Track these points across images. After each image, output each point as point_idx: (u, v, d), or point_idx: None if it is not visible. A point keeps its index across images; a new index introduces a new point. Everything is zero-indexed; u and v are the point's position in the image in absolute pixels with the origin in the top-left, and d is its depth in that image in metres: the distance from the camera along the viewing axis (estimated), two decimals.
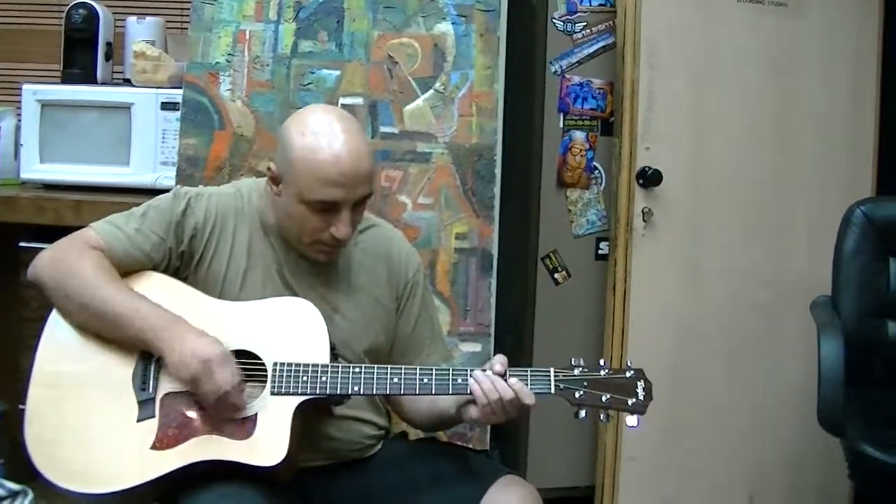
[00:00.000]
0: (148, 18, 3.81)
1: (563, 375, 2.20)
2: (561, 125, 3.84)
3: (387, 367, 2.22)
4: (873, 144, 3.80)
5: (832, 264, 3.36)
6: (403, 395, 2.36)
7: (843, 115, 3.77)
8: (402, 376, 2.21)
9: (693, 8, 3.61)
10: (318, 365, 2.18)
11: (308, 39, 3.11)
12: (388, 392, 2.26)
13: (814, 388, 3.02)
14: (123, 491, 2.08)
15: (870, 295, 3.33)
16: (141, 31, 3.73)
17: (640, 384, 2.22)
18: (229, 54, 3.09)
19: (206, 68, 3.09)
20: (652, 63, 3.57)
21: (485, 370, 2.19)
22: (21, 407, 2.17)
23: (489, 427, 3.02)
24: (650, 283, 3.63)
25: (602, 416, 2.23)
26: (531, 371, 2.20)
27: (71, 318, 2.23)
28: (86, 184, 3.48)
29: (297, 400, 2.16)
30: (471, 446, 2.86)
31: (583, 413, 2.20)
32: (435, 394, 2.23)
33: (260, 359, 2.20)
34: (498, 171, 3.14)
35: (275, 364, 2.18)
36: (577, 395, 2.19)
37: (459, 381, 2.19)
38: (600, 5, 3.81)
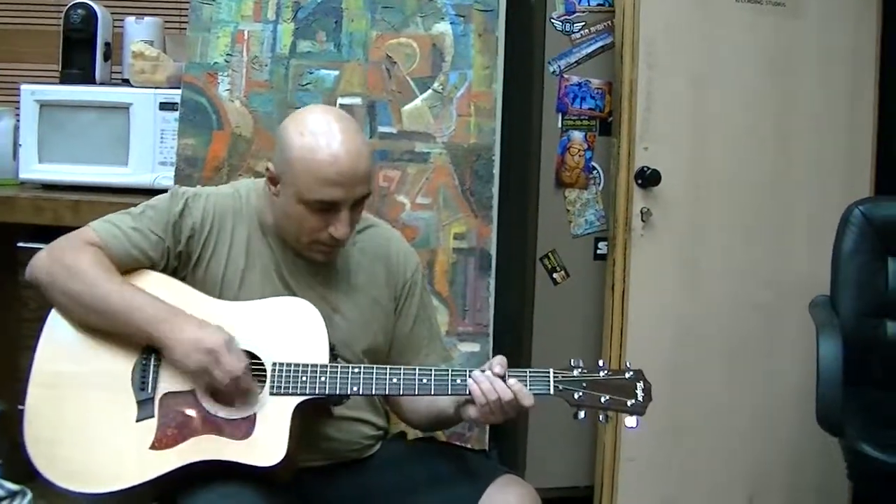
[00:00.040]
0: (146, 19, 3.80)
1: (563, 376, 2.20)
2: (559, 125, 3.84)
3: (386, 368, 2.23)
4: (872, 144, 3.80)
5: (831, 264, 3.36)
6: (402, 395, 2.36)
7: (842, 115, 3.77)
8: (402, 377, 2.21)
9: (691, 8, 3.61)
10: (317, 365, 2.18)
11: (306, 39, 3.11)
12: (387, 392, 2.26)
13: (813, 388, 3.02)
14: (122, 491, 2.09)
15: (868, 295, 3.33)
16: (139, 32, 3.73)
17: (640, 385, 2.22)
18: (228, 54, 3.09)
19: (204, 68, 3.09)
20: (650, 63, 3.57)
21: (484, 371, 2.19)
22: (20, 407, 2.18)
23: (488, 427, 3.02)
24: (649, 283, 3.63)
25: (601, 417, 2.23)
26: (530, 372, 2.20)
27: (70, 316, 2.23)
28: (84, 184, 3.48)
29: (296, 400, 2.16)
30: (469, 446, 2.87)
31: (582, 414, 2.20)
32: (434, 394, 2.23)
33: (259, 359, 2.20)
34: (496, 171, 3.14)
35: (274, 364, 2.19)
36: (576, 395, 2.19)
37: (458, 381, 2.20)
38: (599, 5, 3.81)
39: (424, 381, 2.20)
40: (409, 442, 2.58)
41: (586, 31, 3.81)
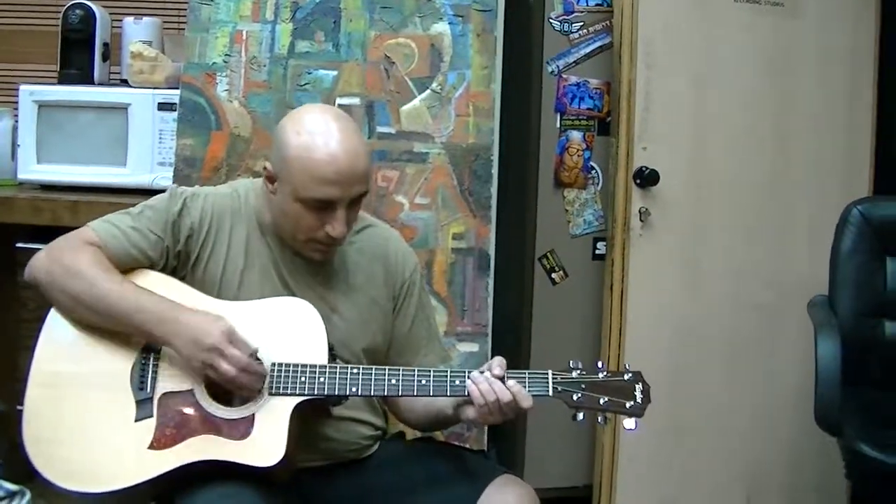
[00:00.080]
0: (145, 19, 3.80)
1: (561, 378, 2.20)
2: (558, 125, 3.84)
3: (385, 369, 2.22)
4: (870, 144, 3.80)
5: (829, 264, 3.36)
6: (401, 396, 2.36)
7: (840, 114, 3.77)
8: (401, 378, 2.21)
9: (690, 8, 3.61)
10: (316, 365, 2.18)
11: (305, 40, 3.11)
12: (385, 393, 2.26)
13: (811, 388, 3.02)
14: (121, 490, 2.09)
15: (866, 294, 3.33)
16: (138, 32, 3.73)
17: (639, 387, 2.22)
18: (226, 55, 3.09)
19: (202, 69, 3.09)
20: (649, 63, 3.57)
21: (482, 372, 2.19)
22: (19, 407, 2.18)
23: (486, 427, 3.02)
24: (647, 283, 3.63)
25: (600, 419, 2.23)
26: (529, 373, 2.20)
27: (70, 315, 2.23)
28: (83, 184, 3.48)
29: (295, 400, 2.16)
30: (468, 446, 2.87)
31: (581, 416, 2.20)
32: (433, 395, 2.23)
33: (258, 359, 2.20)
34: (495, 171, 3.14)
35: (273, 364, 2.19)
36: (574, 397, 2.19)
37: (457, 382, 2.20)
38: (597, 5, 3.81)
39: (423, 382, 2.20)
40: (408, 442, 2.58)
41: (585, 31, 3.82)
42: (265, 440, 2.12)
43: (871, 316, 3.33)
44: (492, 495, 2.26)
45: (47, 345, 2.23)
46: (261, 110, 3.07)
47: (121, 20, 3.82)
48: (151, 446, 2.12)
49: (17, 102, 3.56)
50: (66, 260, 2.21)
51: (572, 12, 3.80)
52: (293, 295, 2.33)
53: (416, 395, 2.27)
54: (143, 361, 2.20)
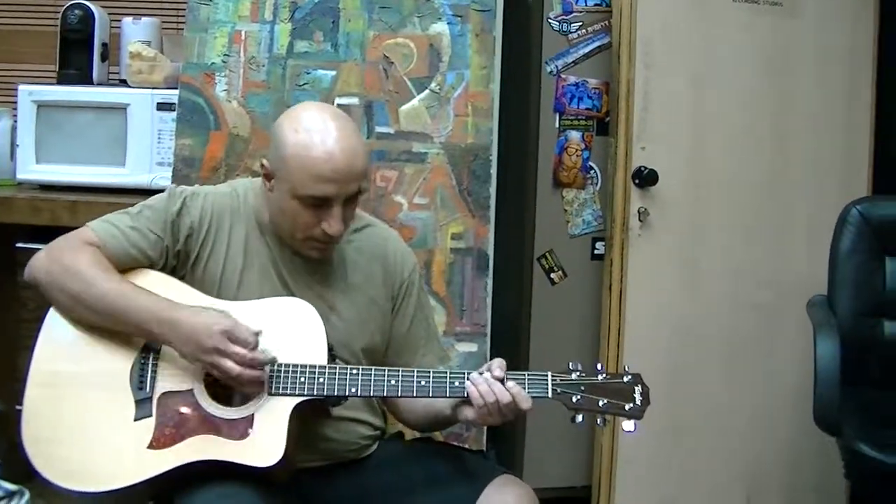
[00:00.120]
0: (144, 19, 3.80)
1: (561, 379, 2.20)
2: (557, 125, 3.84)
3: (384, 370, 2.22)
4: (869, 144, 3.80)
5: (828, 264, 3.36)
6: (401, 397, 2.36)
7: (839, 114, 3.77)
8: (400, 378, 2.21)
9: (689, 8, 3.61)
10: (315, 366, 2.18)
11: (304, 40, 3.11)
12: (385, 394, 2.26)
13: (811, 388, 3.02)
14: (120, 490, 2.09)
15: (866, 294, 3.33)
16: (137, 32, 3.73)
17: (638, 389, 2.21)
18: (225, 55, 3.09)
19: (201, 69, 3.09)
20: (648, 63, 3.57)
21: (482, 373, 2.19)
22: (18, 407, 2.18)
23: (486, 427, 3.02)
24: (646, 282, 3.63)
25: (599, 421, 2.23)
26: (528, 375, 2.20)
27: (69, 315, 2.23)
28: (82, 184, 3.48)
29: (294, 400, 2.16)
30: (467, 446, 2.87)
31: (580, 417, 2.20)
32: (432, 396, 2.23)
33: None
34: (494, 171, 3.14)
35: (273, 364, 2.19)
36: (574, 399, 2.19)
37: (457, 383, 2.19)
38: (596, 5, 3.81)
39: (423, 383, 2.20)
40: (407, 442, 2.58)
41: (583, 31, 3.82)
42: (264, 440, 2.12)
43: (870, 316, 3.33)
44: (491, 495, 2.26)
45: (46, 344, 2.23)
46: (259, 110, 3.07)
47: (119, 20, 3.82)
48: (151, 446, 2.12)
49: (16, 102, 3.57)
50: (66, 260, 2.21)
51: (571, 12, 3.80)
52: (292, 294, 2.33)
53: (416, 396, 2.27)
54: (142, 361, 2.20)
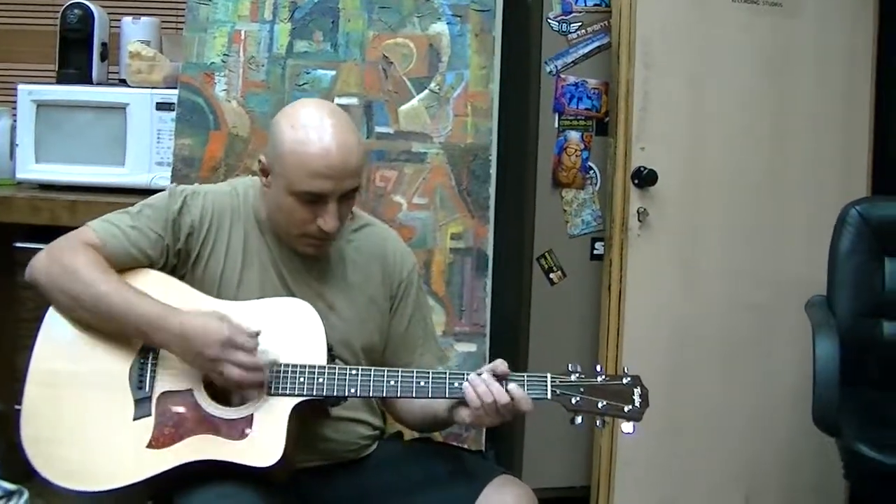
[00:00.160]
0: (143, 19, 3.80)
1: (560, 381, 2.19)
2: (556, 125, 3.84)
3: (383, 370, 2.22)
4: (868, 144, 3.80)
5: (827, 264, 3.36)
6: (400, 397, 2.36)
7: (838, 115, 3.77)
8: (399, 379, 2.21)
9: (688, 8, 3.61)
10: (315, 366, 2.18)
11: (303, 39, 3.11)
12: (384, 395, 2.26)
13: (809, 388, 3.02)
14: (119, 489, 2.08)
15: (865, 295, 3.33)
16: (136, 32, 3.73)
17: (637, 391, 2.21)
18: (224, 54, 3.09)
19: (201, 68, 3.09)
20: (647, 63, 3.57)
21: (480, 374, 2.18)
22: (17, 407, 2.17)
23: (485, 427, 3.02)
24: (645, 283, 3.63)
25: (598, 423, 2.22)
26: (528, 376, 2.19)
27: (69, 315, 2.22)
28: (81, 184, 3.48)
29: (293, 401, 2.16)
30: (466, 446, 2.86)
31: (579, 419, 2.19)
32: (431, 397, 2.22)
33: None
34: (493, 171, 3.14)
35: (272, 365, 2.18)
36: (573, 401, 2.18)
37: (456, 384, 2.19)
38: (595, 5, 3.81)
39: (422, 383, 2.20)
40: (406, 442, 2.58)
41: (583, 31, 3.82)
42: (264, 440, 2.12)
43: (869, 316, 3.33)
44: (490, 496, 2.25)
45: (46, 344, 2.23)
46: (259, 110, 3.07)
47: (119, 20, 3.82)
48: (150, 445, 2.12)
49: (15, 102, 3.57)
50: (65, 260, 2.21)
51: (570, 12, 3.80)
52: (291, 292, 2.33)
53: (415, 397, 2.26)
54: (141, 360, 2.20)
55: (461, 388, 2.18)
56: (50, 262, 2.23)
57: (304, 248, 2.31)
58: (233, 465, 2.10)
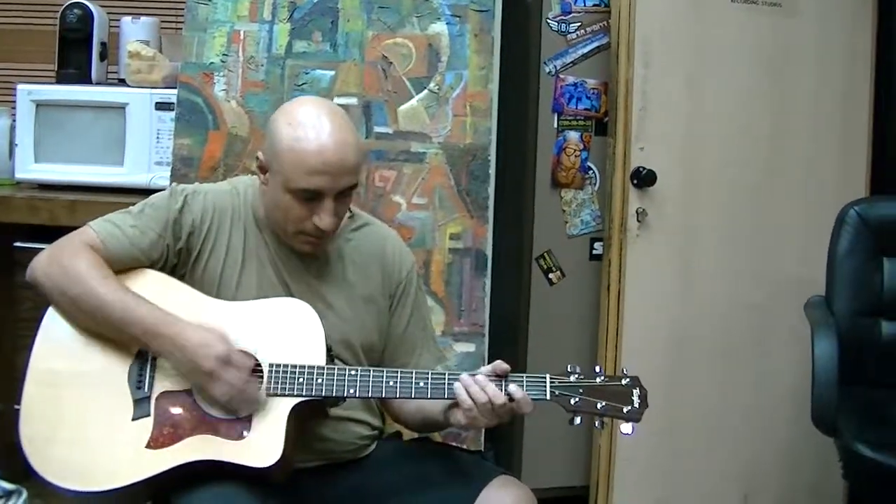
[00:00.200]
0: (142, 19, 3.81)
1: (559, 382, 2.19)
2: (555, 125, 3.84)
3: (382, 371, 2.22)
4: (867, 145, 3.80)
5: (826, 264, 3.36)
6: (399, 398, 2.36)
7: (837, 115, 3.77)
8: (398, 380, 2.20)
9: (687, 8, 3.61)
10: (314, 367, 2.18)
11: (302, 40, 3.11)
12: (383, 395, 2.26)
13: (807, 388, 3.02)
14: (118, 490, 2.08)
15: (863, 295, 3.33)
16: (135, 32, 3.74)
17: (636, 392, 2.21)
18: (224, 54, 3.09)
19: (200, 68, 3.09)
20: (646, 63, 3.57)
21: (473, 374, 2.18)
22: (16, 407, 2.17)
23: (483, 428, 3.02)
24: (644, 283, 3.63)
25: (597, 423, 2.22)
26: (527, 377, 2.19)
27: (68, 318, 2.23)
28: (80, 184, 3.49)
29: (292, 401, 2.16)
30: (465, 447, 2.86)
31: (578, 420, 2.19)
32: (430, 398, 2.22)
33: (256, 359, 2.20)
34: (492, 171, 3.14)
35: (271, 365, 2.18)
36: (572, 401, 2.18)
37: (455, 385, 2.20)
38: (594, 5, 3.81)
39: (421, 384, 2.20)
40: (405, 442, 2.58)
41: (582, 31, 3.82)
42: (262, 441, 2.12)
43: (868, 316, 3.32)
44: (489, 496, 2.26)
45: (45, 343, 2.23)
46: (258, 110, 3.07)
47: (118, 20, 3.82)
48: (148, 445, 2.12)
49: (14, 102, 3.57)
50: (66, 262, 2.21)
51: (570, 12, 3.80)
52: (290, 291, 2.33)
53: (414, 398, 2.26)
54: (141, 360, 2.20)
55: None
56: (50, 263, 2.23)
57: (301, 246, 2.31)
58: (232, 465, 2.10)
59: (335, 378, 2.18)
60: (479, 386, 2.15)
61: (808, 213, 3.72)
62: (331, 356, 2.24)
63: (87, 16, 3.64)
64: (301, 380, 2.17)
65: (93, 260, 2.21)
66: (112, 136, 3.49)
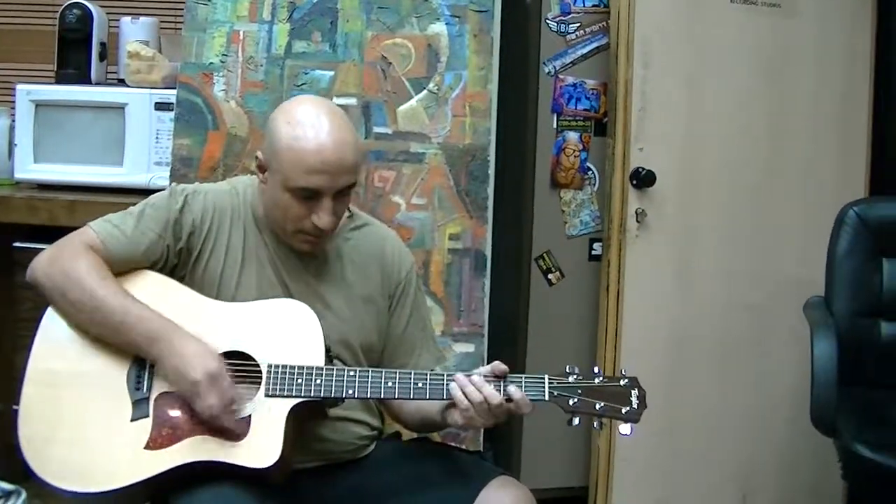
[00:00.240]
0: (142, 19, 3.81)
1: (558, 382, 2.19)
2: (554, 126, 3.84)
3: (381, 371, 2.22)
4: (866, 145, 3.80)
5: (825, 265, 3.36)
6: (398, 399, 2.36)
7: (837, 115, 3.77)
8: (397, 380, 2.20)
9: (686, 8, 3.61)
10: (312, 367, 2.18)
11: (302, 40, 3.11)
12: (382, 396, 2.26)
13: (806, 389, 3.02)
14: (116, 490, 2.08)
15: (863, 295, 3.33)
16: (135, 32, 3.74)
17: (634, 392, 2.21)
18: (223, 55, 3.09)
19: (199, 68, 3.09)
20: (645, 63, 3.57)
21: (469, 375, 2.18)
22: (15, 407, 2.17)
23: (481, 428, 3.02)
24: (643, 283, 3.63)
25: (596, 424, 2.22)
26: (525, 377, 2.19)
27: (68, 319, 2.22)
28: (80, 184, 3.49)
29: (291, 402, 2.16)
30: (464, 447, 2.87)
31: (576, 420, 2.19)
32: (429, 399, 2.22)
33: (254, 360, 2.20)
34: (491, 171, 3.14)
35: (269, 366, 2.18)
36: (571, 402, 2.18)
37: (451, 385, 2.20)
38: (594, 6, 3.81)
39: (419, 385, 2.20)
40: (404, 442, 2.57)
41: (581, 31, 3.82)
42: (261, 441, 2.12)
43: (867, 316, 3.32)
44: (488, 496, 2.25)
45: (44, 343, 2.23)
46: (258, 110, 3.07)
47: (118, 20, 3.82)
48: (147, 446, 2.12)
49: (14, 102, 3.57)
50: (66, 264, 2.20)
51: (569, 13, 3.80)
52: (289, 290, 2.33)
53: (413, 399, 2.26)
54: (139, 361, 2.20)
55: None
56: (51, 264, 2.23)
57: (300, 245, 2.31)
58: (230, 466, 2.10)
59: (334, 379, 2.18)
60: (474, 386, 2.15)
61: (808, 214, 3.72)
62: (329, 357, 2.24)
63: (87, 16, 3.64)
64: (300, 380, 2.17)
65: (93, 262, 2.21)
66: (111, 137, 3.49)
